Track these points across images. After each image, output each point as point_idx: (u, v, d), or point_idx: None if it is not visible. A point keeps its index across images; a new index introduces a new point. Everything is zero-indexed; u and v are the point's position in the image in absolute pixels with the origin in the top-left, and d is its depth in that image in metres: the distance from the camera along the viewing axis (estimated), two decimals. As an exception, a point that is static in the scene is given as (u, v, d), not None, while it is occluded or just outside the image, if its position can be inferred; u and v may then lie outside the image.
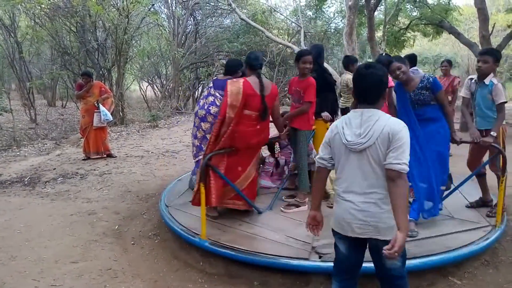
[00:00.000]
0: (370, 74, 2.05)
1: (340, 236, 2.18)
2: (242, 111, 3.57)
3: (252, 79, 3.64)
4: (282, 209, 3.96)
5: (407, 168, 1.94)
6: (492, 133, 3.57)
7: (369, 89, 2.07)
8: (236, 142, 3.62)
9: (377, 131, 1.99)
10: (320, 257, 3.01)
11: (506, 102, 3.61)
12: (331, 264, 2.37)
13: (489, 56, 3.66)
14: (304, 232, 3.26)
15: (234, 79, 3.74)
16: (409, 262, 2.75)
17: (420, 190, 3.45)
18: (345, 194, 2.11)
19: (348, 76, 5.76)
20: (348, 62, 5.99)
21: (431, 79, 3.45)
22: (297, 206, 4.00)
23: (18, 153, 8.14)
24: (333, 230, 2.23)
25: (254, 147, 3.80)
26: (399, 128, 1.98)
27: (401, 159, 1.93)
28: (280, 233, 3.45)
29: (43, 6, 11.22)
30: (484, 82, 3.68)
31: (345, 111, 5.69)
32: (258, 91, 3.59)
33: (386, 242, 1.98)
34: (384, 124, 1.99)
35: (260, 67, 3.80)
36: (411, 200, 3.49)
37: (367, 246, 2.18)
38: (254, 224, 3.67)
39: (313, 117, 4.12)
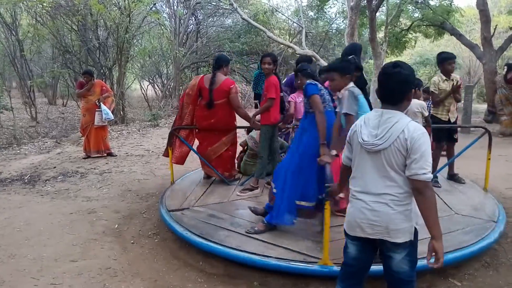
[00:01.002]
0: (397, 73, 2.00)
1: (352, 237, 2.15)
2: (197, 99, 4.77)
3: (208, 76, 4.70)
4: (238, 193, 4.49)
5: (431, 176, 1.91)
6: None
7: (394, 89, 2.02)
8: (196, 122, 4.84)
9: (394, 135, 1.94)
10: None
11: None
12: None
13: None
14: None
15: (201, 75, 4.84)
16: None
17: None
18: (358, 193, 2.09)
19: None
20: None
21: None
22: (251, 190, 4.52)
23: (18, 151, 8.14)
24: (345, 232, 2.20)
25: (208, 128, 4.72)
26: (418, 135, 1.91)
27: (426, 168, 1.88)
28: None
29: (44, 4, 11.21)
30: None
31: None
32: (208, 85, 4.58)
33: (395, 244, 1.99)
34: (403, 129, 1.93)
35: (218, 67, 4.68)
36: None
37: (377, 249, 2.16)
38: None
39: (277, 113, 4.45)
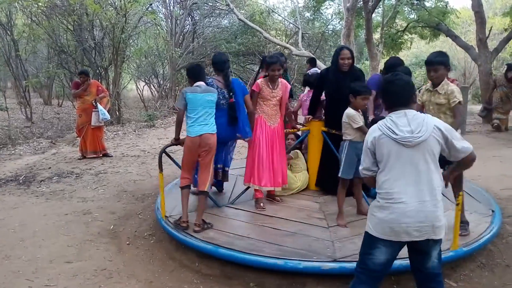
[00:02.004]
0: (399, 79, 2.25)
1: (387, 243, 2.13)
2: None
3: None
4: None
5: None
6: None
7: (400, 92, 2.22)
8: None
9: (430, 126, 2.10)
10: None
11: None
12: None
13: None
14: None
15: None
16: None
17: None
18: (397, 195, 2.10)
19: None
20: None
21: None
22: None
23: (13, 152, 8.09)
24: (374, 238, 2.17)
25: None
26: (447, 124, 2.20)
27: (465, 142, 2.15)
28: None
29: (40, 4, 11.17)
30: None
31: None
32: None
33: (436, 241, 2.10)
34: (432, 121, 2.13)
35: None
36: None
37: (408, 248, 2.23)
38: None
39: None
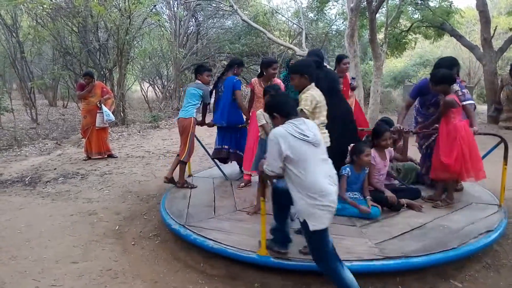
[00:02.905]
0: (284, 94, 3.13)
1: (326, 229, 2.52)
2: None
3: None
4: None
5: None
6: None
7: (291, 103, 2.76)
8: None
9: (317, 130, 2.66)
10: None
11: None
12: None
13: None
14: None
15: None
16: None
17: None
18: (323, 186, 2.51)
19: None
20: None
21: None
22: None
23: (19, 153, 8.14)
24: (324, 230, 2.52)
25: None
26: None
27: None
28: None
29: (45, 6, 11.24)
30: None
31: None
32: None
33: None
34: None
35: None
36: None
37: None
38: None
39: None
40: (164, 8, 16.82)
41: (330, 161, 2.67)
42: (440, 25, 12.58)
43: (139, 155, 7.77)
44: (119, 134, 10.35)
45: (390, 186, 4.15)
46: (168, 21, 16.78)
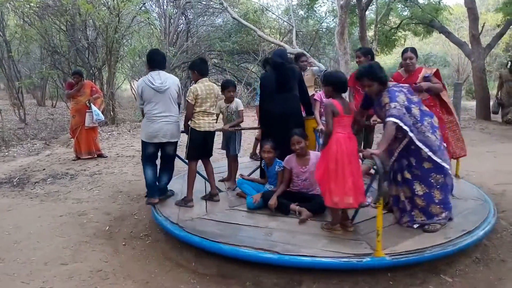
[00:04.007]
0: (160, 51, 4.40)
1: (152, 144, 4.10)
2: None
3: None
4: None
5: None
6: None
7: (158, 59, 4.20)
8: None
9: (172, 81, 4.13)
10: None
11: None
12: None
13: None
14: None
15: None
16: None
17: None
18: (157, 117, 4.04)
19: None
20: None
21: None
22: None
23: (6, 154, 8.02)
24: (147, 142, 4.11)
25: None
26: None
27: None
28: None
29: (32, 4, 11.07)
30: None
31: None
32: None
33: (172, 143, 4.21)
34: (174, 79, 4.19)
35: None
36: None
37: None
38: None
39: None
40: (154, 6, 16.72)
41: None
42: (429, 22, 12.67)
43: (129, 155, 7.70)
44: (109, 133, 10.26)
45: (304, 194, 3.95)
46: (158, 19, 16.67)
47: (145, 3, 14.17)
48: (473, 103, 13.51)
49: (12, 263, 3.40)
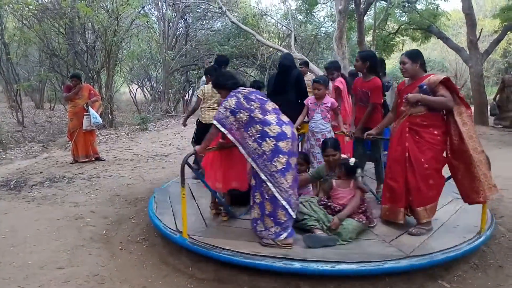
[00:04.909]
0: None
1: None
2: None
3: None
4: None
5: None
6: None
7: None
8: None
9: None
10: None
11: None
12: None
13: None
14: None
15: None
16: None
17: None
18: None
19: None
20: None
21: None
22: None
23: (4, 156, 7.99)
24: None
25: None
26: None
27: None
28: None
29: (31, 7, 11.08)
30: None
31: None
32: None
33: None
34: None
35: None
36: None
37: None
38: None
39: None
40: (153, 10, 16.77)
41: None
42: (427, 27, 12.72)
43: (127, 158, 7.69)
44: (107, 136, 10.24)
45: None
46: (157, 22, 16.70)
47: (144, 7, 14.20)
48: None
49: (8, 266, 3.38)
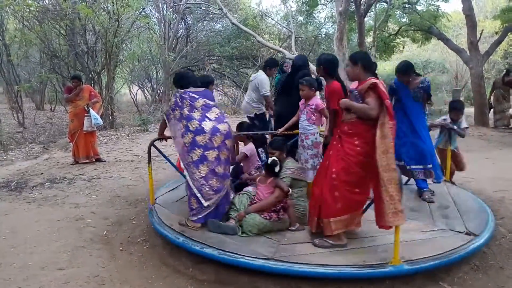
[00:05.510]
0: None
1: None
2: None
3: None
4: None
5: None
6: None
7: None
8: None
9: None
10: None
11: None
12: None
13: None
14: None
15: None
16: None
17: None
18: None
19: None
20: None
21: None
22: None
23: (5, 158, 7.99)
24: None
25: None
26: None
27: None
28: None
29: (32, 8, 11.07)
30: None
31: None
32: None
33: None
34: None
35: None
36: None
37: None
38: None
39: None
40: (153, 11, 16.77)
41: None
42: (428, 28, 12.74)
43: (127, 159, 7.69)
44: (107, 137, 10.24)
45: None
46: (157, 24, 16.71)
47: (144, 8, 14.20)
48: (471, 110, 13.53)
49: (9, 267, 3.38)
